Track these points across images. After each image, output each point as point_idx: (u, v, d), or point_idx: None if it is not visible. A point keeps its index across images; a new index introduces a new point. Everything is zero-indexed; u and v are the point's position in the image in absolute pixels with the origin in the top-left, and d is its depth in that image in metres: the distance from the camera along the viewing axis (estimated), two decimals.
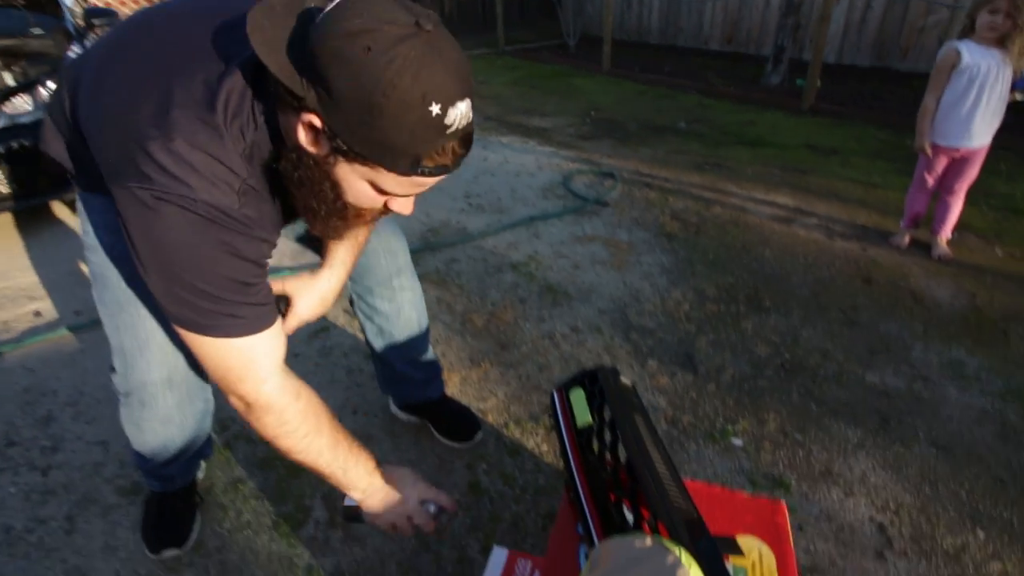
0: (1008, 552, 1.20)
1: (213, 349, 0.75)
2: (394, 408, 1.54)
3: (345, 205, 0.71)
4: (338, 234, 0.80)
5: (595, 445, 0.95)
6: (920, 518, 1.28)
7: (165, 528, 1.22)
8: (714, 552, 0.73)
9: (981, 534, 1.24)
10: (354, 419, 1.55)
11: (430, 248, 2.41)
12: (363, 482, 0.88)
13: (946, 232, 2.34)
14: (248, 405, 0.80)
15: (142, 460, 1.20)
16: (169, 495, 1.26)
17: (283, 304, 1.00)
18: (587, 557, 0.76)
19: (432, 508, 0.93)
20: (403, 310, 1.28)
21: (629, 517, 0.83)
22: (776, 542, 0.82)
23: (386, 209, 0.74)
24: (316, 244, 1.06)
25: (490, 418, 1.54)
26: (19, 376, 1.79)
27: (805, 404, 1.59)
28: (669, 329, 1.88)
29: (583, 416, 0.97)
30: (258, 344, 0.76)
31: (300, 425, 0.82)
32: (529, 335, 1.86)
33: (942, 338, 1.86)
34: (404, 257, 1.26)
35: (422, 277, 2.19)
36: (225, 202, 0.69)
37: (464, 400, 1.59)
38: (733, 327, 1.90)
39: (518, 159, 3.44)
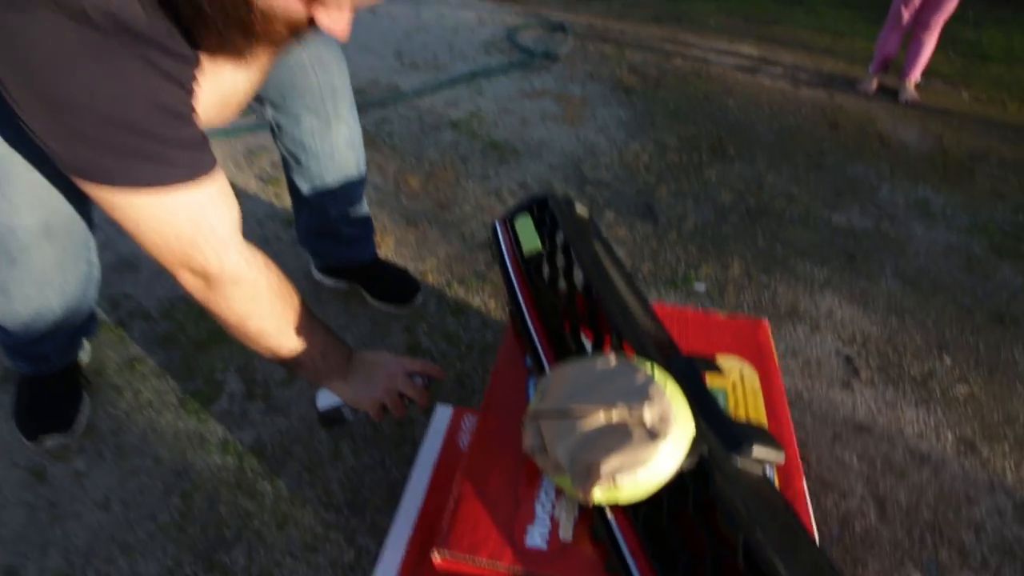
0: (974, 375, 1.17)
1: (152, 210, 0.54)
2: (317, 274, 1.34)
3: (252, 10, 0.47)
4: (237, 53, 0.54)
5: (545, 272, 0.79)
6: (887, 348, 1.23)
7: (44, 413, 1.02)
8: (691, 369, 0.59)
9: (948, 360, 1.20)
10: None
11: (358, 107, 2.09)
12: (343, 366, 0.75)
13: (916, 75, 2.19)
14: (209, 280, 0.61)
15: (5, 335, 0.97)
16: (45, 377, 1.05)
17: None
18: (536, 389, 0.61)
19: (419, 381, 0.81)
20: (338, 149, 1.05)
21: (588, 346, 0.68)
22: (759, 361, 0.70)
23: (310, 22, 0.50)
24: None
25: (430, 279, 1.37)
26: None
27: (770, 247, 1.48)
28: (627, 181, 1.71)
29: (531, 242, 0.80)
30: (210, 200, 0.58)
31: (274, 300, 0.67)
32: (472, 194, 1.65)
33: (909, 178, 1.77)
34: (342, 79, 1.00)
35: None
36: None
37: (400, 263, 1.40)
38: (696, 176, 1.74)
39: (455, 15, 3.01)
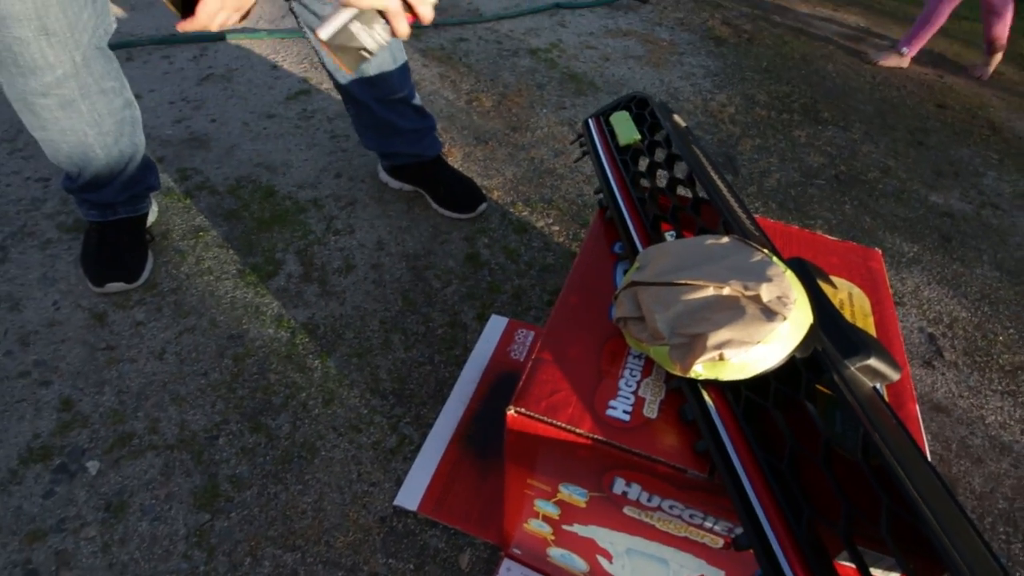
0: None
1: None
2: (383, 174, 1.31)
3: None
4: None
5: (643, 163, 0.73)
6: (976, 334, 1.13)
7: (109, 261, 1.04)
8: (804, 270, 0.54)
9: None
10: (336, 182, 1.32)
11: (435, 26, 2.02)
12: None
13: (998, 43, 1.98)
14: None
15: (68, 180, 1.00)
16: (111, 225, 1.06)
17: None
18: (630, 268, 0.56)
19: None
20: (384, 66, 1.00)
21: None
22: (872, 288, 0.63)
23: None
24: None
25: (495, 195, 1.32)
26: None
27: (858, 216, 1.38)
28: (709, 129, 1.61)
29: (628, 134, 0.74)
30: None
31: None
32: (545, 120, 1.58)
33: (1019, 169, 1.61)
34: None
35: (426, 53, 1.85)
36: None
37: (468, 175, 1.35)
38: (784, 135, 1.62)
39: None
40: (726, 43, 2.09)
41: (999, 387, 1.04)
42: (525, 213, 1.29)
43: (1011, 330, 1.15)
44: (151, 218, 1.16)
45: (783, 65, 1.98)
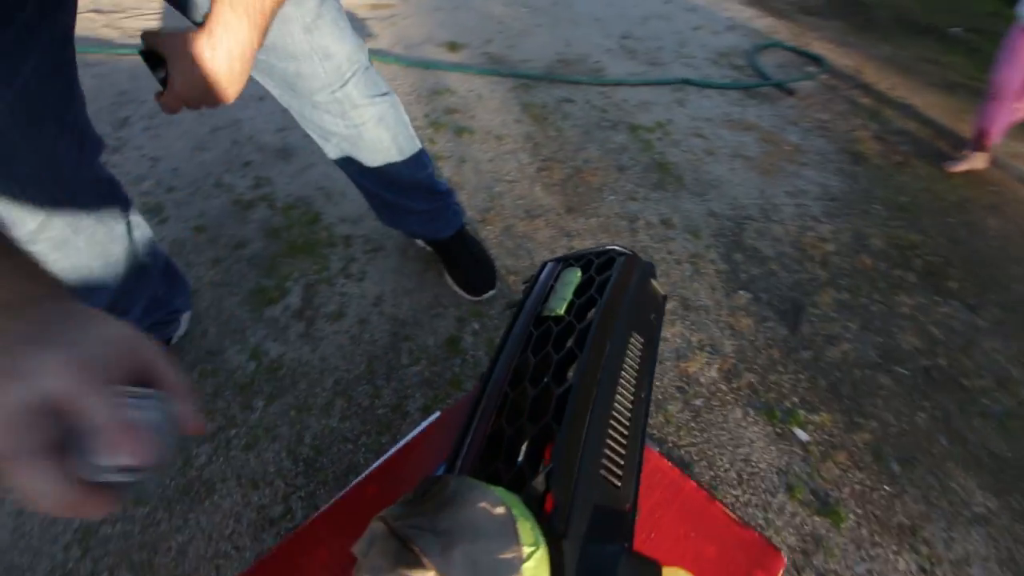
0: None
1: None
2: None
3: None
4: None
5: (548, 345, 0.65)
6: None
7: None
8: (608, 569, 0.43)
9: None
10: (376, 224, 1.37)
11: (550, 80, 2.01)
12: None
13: None
14: None
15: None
16: None
17: (159, 68, 0.64)
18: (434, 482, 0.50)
19: (139, 391, 0.33)
20: (365, 132, 0.95)
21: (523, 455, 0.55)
22: None
23: None
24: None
25: (512, 280, 1.28)
26: (122, 80, 1.84)
27: (933, 432, 1.10)
28: (789, 266, 1.40)
29: (557, 304, 0.67)
30: None
31: None
32: (607, 208, 1.50)
33: None
34: (351, 63, 0.89)
35: (526, 108, 1.85)
36: None
37: (496, 252, 1.33)
38: (883, 296, 1.36)
39: (709, 12, 2.71)
40: (867, 162, 1.80)
41: None
42: None
43: None
44: (179, 331, 1.09)
45: (927, 206, 1.66)
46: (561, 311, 0.66)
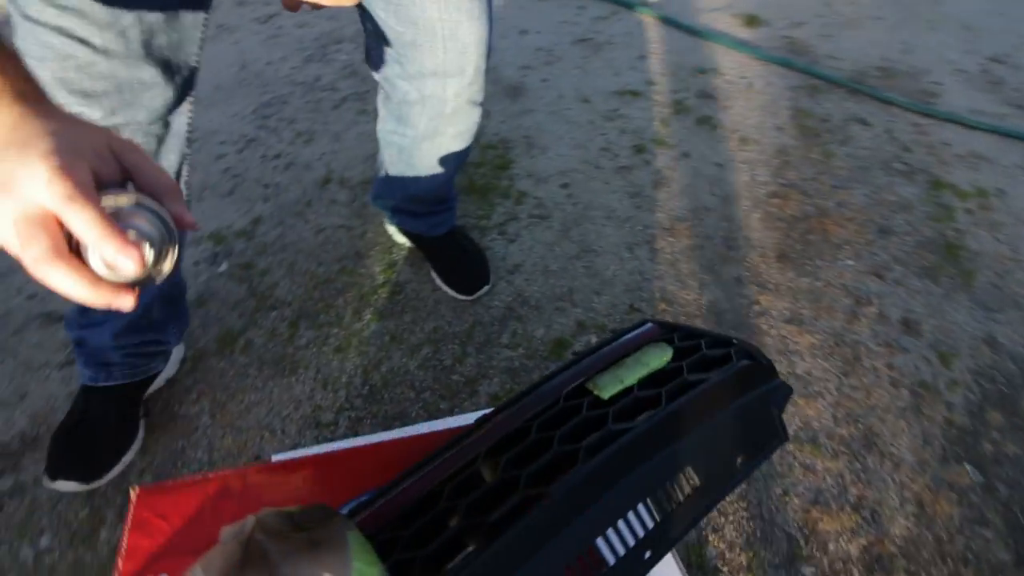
0: None
1: None
2: (390, 226, 1.18)
3: None
4: None
5: (561, 428, 0.50)
6: None
7: (78, 446, 0.85)
8: None
9: None
10: (545, 186, 1.29)
11: (851, 89, 1.57)
12: None
13: None
14: None
15: (68, 319, 0.84)
16: (100, 393, 0.86)
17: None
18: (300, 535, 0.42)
19: (130, 197, 0.32)
20: (427, 143, 0.88)
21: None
22: None
23: None
24: None
25: (637, 310, 1.08)
26: None
27: None
28: None
29: (608, 384, 0.51)
30: None
31: None
32: (834, 275, 1.14)
33: None
34: (476, 61, 0.78)
35: (799, 115, 1.50)
36: None
37: (659, 271, 1.13)
38: None
39: None
40: None
41: None
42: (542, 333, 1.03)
43: None
44: (165, 369, 0.94)
45: None
46: (606, 395, 0.51)
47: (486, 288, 1.09)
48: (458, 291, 1.08)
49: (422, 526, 0.43)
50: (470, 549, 0.41)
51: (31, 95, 0.32)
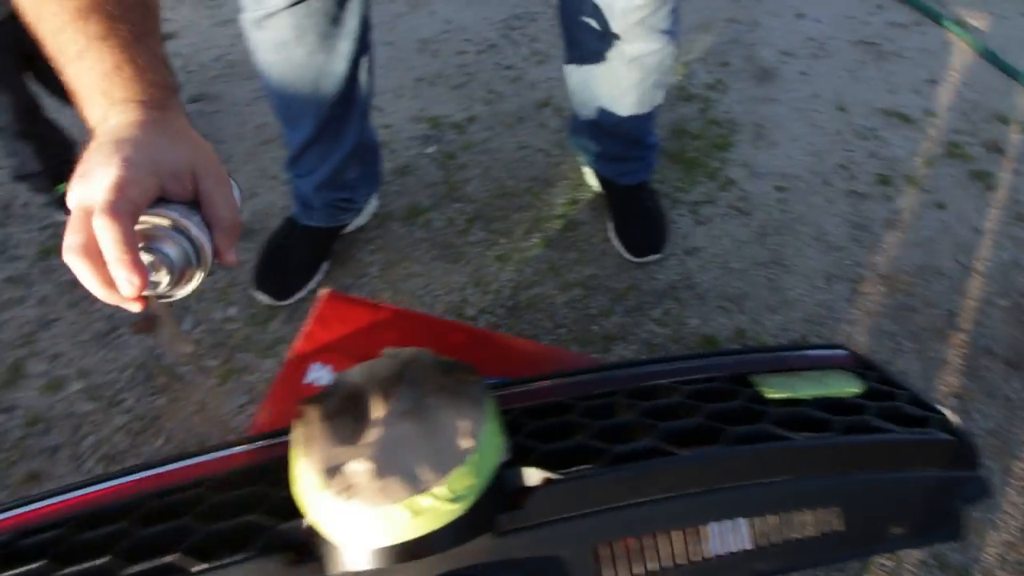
0: None
1: None
2: (585, 168, 1.16)
3: None
4: None
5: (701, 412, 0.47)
6: None
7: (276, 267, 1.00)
8: None
9: None
10: (759, 181, 1.18)
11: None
12: (98, 96, 0.35)
13: None
14: None
15: (289, 158, 0.93)
16: (300, 231, 1.00)
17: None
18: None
19: (171, 220, 0.33)
20: (614, 71, 0.87)
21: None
22: None
23: None
24: None
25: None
26: None
27: None
28: None
29: (776, 386, 0.47)
30: None
31: None
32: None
33: None
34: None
35: (955, 148, 1.17)
36: None
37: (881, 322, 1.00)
38: None
39: None
40: None
41: None
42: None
43: None
44: (358, 221, 1.07)
45: None
46: (771, 396, 0.47)
47: (655, 256, 1.05)
48: (627, 249, 1.05)
49: (547, 426, 0.44)
50: (587, 466, 0.41)
51: (157, 102, 0.35)
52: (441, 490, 0.36)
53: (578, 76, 0.93)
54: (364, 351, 0.56)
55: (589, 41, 0.85)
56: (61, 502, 0.40)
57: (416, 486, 0.35)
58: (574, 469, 0.41)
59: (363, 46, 0.81)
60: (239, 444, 0.45)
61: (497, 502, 0.39)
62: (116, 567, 0.36)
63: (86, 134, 0.35)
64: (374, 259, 1.05)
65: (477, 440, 0.38)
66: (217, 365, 0.93)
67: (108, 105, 0.34)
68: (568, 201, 1.15)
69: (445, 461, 0.37)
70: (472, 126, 1.28)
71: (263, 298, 0.98)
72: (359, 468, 0.36)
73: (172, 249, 0.33)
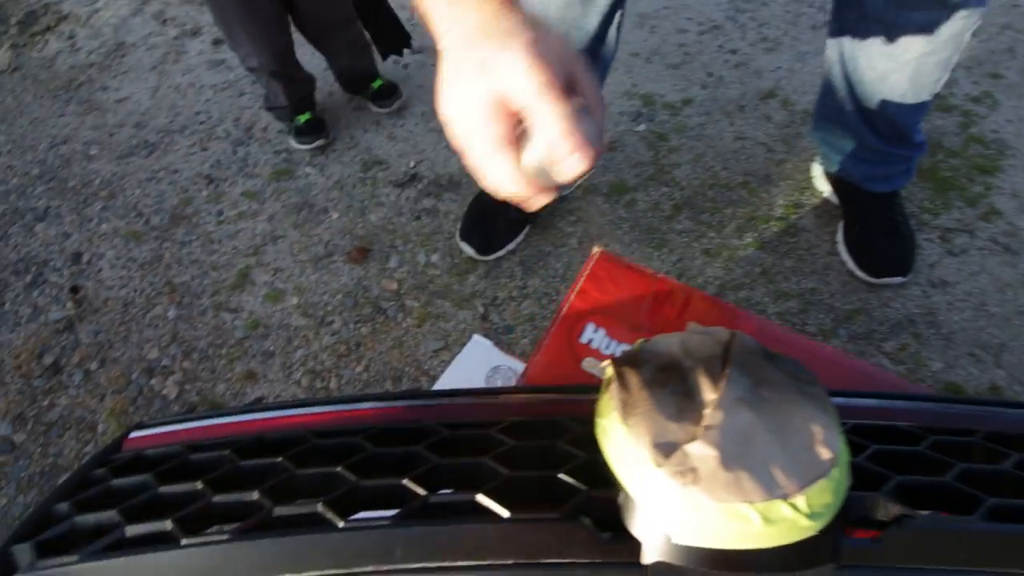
0: None
1: None
2: (817, 168, 1.01)
3: None
4: None
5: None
6: None
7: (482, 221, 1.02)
8: None
9: None
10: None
11: None
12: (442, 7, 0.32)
13: None
14: None
15: None
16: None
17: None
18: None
19: (579, 102, 0.31)
20: (901, 50, 0.72)
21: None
22: None
23: None
24: None
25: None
26: None
27: None
28: None
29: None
30: None
31: None
32: None
33: None
34: None
35: None
36: None
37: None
38: None
39: None
40: None
41: None
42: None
43: None
44: (566, 189, 1.00)
45: None
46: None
47: (898, 280, 0.91)
48: (862, 267, 0.92)
49: (897, 453, 0.37)
50: (953, 515, 0.34)
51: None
52: (801, 501, 0.30)
53: (847, 47, 0.80)
54: (641, 320, 0.52)
55: (860, 50, 0.74)
56: (367, 409, 0.41)
57: (772, 490, 0.31)
58: (938, 513, 0.34)
59: (620, 4, 0.76)
60: (518, 393, 0.43)
61: (840, 530, 0.33)
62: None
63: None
64: (574, 230, 1.02)
65: (835, 452, 0.32)
66: (417, 307, 0.96)
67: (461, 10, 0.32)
68: (789, 203, 1.04)
69: (804, 470, 0.31)
70: (687, 108, 1.20)
71: (467, 249, 1.00)
72: (703, 452, 0.32)
73: (592, 130, 0.31)
